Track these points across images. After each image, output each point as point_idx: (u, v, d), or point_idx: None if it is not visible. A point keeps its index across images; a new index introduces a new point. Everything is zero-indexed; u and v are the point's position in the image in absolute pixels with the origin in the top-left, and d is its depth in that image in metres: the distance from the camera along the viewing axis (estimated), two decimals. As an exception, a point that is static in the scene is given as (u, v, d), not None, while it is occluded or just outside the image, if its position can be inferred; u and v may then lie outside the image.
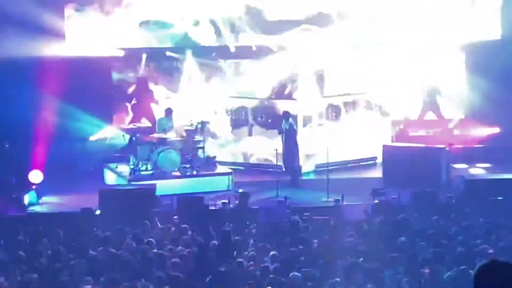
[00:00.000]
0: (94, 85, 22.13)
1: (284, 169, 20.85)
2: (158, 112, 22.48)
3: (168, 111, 21.57)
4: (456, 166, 21.31)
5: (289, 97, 23.00)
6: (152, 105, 22.97)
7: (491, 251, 13.20)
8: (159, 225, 16.18)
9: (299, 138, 21.29)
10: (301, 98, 22.69)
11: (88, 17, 22.69)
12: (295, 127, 21.05)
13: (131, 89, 23.01)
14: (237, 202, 17.96)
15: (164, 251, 13.97)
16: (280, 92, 23.15)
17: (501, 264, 3.82)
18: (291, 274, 12.67)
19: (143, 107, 22.92)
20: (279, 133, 21.10)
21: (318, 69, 23.20)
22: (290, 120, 20.87)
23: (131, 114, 23.02)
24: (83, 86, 21.59)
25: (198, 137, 21.37)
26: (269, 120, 22.77)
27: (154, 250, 14.01)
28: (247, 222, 16.45)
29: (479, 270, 3.82)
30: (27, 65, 20.99)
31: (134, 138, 20.78)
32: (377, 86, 23.45)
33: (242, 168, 22.40)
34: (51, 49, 21.54)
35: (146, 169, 20.51)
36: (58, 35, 22.16)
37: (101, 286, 12.20)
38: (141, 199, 17.90)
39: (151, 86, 23.33)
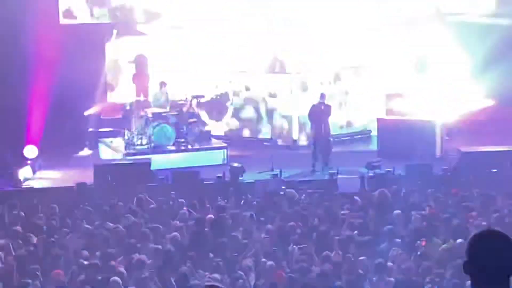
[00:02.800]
0: (88, 58, 22.04)
1: (314, 149, 20.14)
2: (152, 85, 22.39)
3: (162, 85, 21.51)
4: (451, 138, 21.32)
5: (282, 71, 22.95)
6: (148, 78, 22.84)
7: (485, 223, 13.26)
8: (155, 200, 16.17)
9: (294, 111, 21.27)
10: (294, 72, 22.63)
11: None
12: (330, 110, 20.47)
13: (128, 63, 22.91)
14: (232, 176, 17.96)
15: (160, 225, 13.99)
16: (273, 67, 23.07)
17: (496, 234, 3.81)
18: (286, 247, 12.73)
19: (140, 81, 22.80)
20: (310, 115, 20.22)
21: (311, 42, 23.15)
22: (328, 104, 20.19)
23: (127, 88, 22.90)
24: (77, 59, 21.49)
25: (192, 111, 21.33)
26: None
27: (150, 225, 14.04)
28: (243, 196, 16.47)
29: (473, 239, 3.81)
30: (21, 36, 20.90)
31: (129, 113, 20.74)
32: (370, 59, 23.39)
33: (237, 142, 22.37)
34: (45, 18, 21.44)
35: (141, 144, 20.49)
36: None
37: (97, 260, 12.22)
38: (136, 174, 17.91)
39: (149, 60, 23.19)
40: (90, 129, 22.18)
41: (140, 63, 22.80)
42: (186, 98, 21.32)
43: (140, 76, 22.62)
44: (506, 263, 3.73)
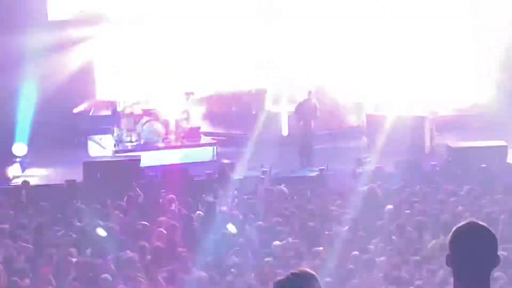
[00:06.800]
0: (77, 54, 21.98)
1: (298, 148, 20.26)
2: (141, 82, 22.32)
3: (153, 83, 21.47)
4: (440, 134, 21.36)
5: (271, 68, 22.95)
6: (136, 75, 22.74)
7: (474, 218, 13.27)
8: (144, 196, 16.15)
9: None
10: (285, 74, 22.61)
11: None
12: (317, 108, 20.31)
13: (114, 60, 22.87)
14: (221, 172, 17.94)
15: (150, 222, 13.98)
16: (261, 64, 23.09)
17: (477, 227, 3.85)
18: (273, 243, 12.75)
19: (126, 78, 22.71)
20: (297, 112, 20.17)
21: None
22: (315, 102, 20.15)
23: (114, 85, 22.84)
24: (66, 57, 21.44)
25: (182, 108, 21.30)
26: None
27: (140, 222, 14.02)
28: (232, 192, 16.47)
29: (455, 232, 3.84)
30: (9, 33, 20.82)
31: (118, 110, 20.71)
32: (356, 65, 23.39)
33: (225, 138, 22.35)
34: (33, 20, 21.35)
35: (131, 141, 20.46)
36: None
37: (88, 258, 12.20)
38: (126, 171, 17.88)
39: (134, 55, 23.11)
40: (80, 127, 22.13)
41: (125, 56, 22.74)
42: (176, 95, 21.29)
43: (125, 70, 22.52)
44: (487, 255, 3.77)
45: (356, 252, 12.27)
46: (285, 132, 22.00)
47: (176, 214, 14.67)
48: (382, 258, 12.13)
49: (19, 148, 20.35)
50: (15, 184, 18.64)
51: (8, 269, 11.82)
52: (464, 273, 3.79)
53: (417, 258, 11.91)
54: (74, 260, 12.07)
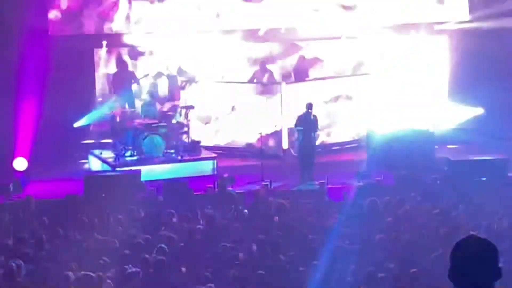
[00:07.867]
0: (78, 69, 22.00)
1: (299, 161, 20.16)
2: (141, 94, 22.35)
3: (153, 95, 21.50)
4: (440, 147, 21.37)
5: (273, 81, 23.00)
6: (133, 86, 22.76)
7: (474, 232, 13.30)
8: (145, 211, 16.17)
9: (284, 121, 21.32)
10: (285, 81, 22.65)
11: None
12: (317, 121, 20.26)
13: (112, 72, 22.93)
14: (222, 186, 17.96)
15: (151, 236, 14.00)
16: (262, 77, 23.14)
17: (478, 240, 3.88)
18: (275, 257, 12.76)
19: (124, 90, 22.72)
20: (297, 125, 20.06)
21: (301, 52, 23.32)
22: (315, 115, 20.13)
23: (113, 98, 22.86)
24: (65, 70, 21.43)
25: (182, 122, 21.35)
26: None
27: (141, 235, 14.04)
28: (232, 206, 16.48)
29: (457, 246, 3.88)
30: (9, 46, 20.85)
31: (117, 124, 20.74)
32: (357, 68, 23.47)
33: (226, 152, 22.37)
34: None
35: (131, 155, 20.49)
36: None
37: (88, 272, 12.20)
38: (126, 185, 17.90)
39: (131, 67, 23.16)
40: (83, 141, 22.16)
41: (121, 68, 22.74)
42: (176, 109, 21.34)
43: (122, 82, 22.51)
44: (489, 269, 3.80)
45: (356, 266, 12.30)
46: (285, 145, 22.01)
47: (177, 228, 14.68)
48: (382, 271, 12.14)
49: (20, 163, 20.37)
50: (17, 199, 18.67)
51: (10, 284, 11.83)
52: (466, 287, 3.82)
53: (417, 271, 11.93)
54: (75, 274, 12.09)
